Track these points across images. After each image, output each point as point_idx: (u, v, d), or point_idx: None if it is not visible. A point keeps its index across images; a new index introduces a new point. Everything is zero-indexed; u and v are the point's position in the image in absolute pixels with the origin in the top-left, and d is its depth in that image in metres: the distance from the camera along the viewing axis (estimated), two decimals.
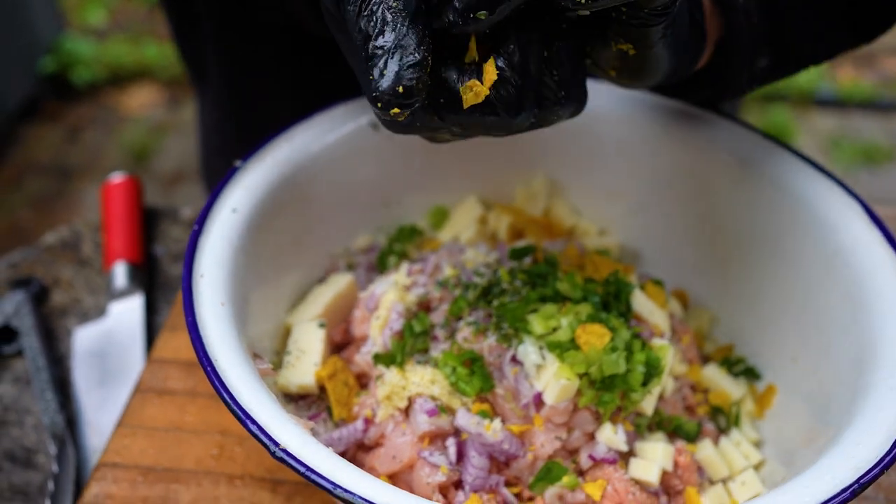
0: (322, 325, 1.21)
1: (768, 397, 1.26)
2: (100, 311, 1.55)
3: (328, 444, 1.12)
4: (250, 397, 0.91)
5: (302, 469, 0.84)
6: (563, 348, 1.07)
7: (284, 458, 0.85)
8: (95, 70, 5.20)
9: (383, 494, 0.84)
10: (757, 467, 1.18)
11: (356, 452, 1.14)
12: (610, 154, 1.39)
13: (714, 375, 1.25)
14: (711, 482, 1.15)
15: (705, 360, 1.33)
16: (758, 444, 1.22)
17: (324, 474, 0.84)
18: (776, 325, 1.26)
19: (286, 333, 1.23)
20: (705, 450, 1.14)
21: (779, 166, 1.22)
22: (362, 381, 1.21)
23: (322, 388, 1.16)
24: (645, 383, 1.10)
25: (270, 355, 1.17)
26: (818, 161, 1.23)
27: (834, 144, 4.45)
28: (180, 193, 4.43)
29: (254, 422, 0.88)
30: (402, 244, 1.39)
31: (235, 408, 0.89)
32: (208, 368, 0.93)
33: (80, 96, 5.34)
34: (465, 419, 1.06)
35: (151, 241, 1.70)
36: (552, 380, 1.06)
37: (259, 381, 0.95)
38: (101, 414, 1.36)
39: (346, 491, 0.83)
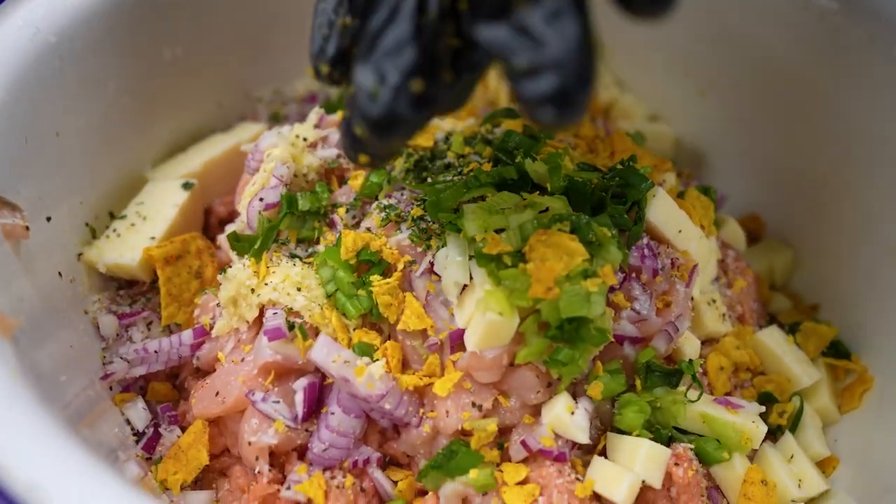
0: (188, 186, 0.83)
1: (858, 391, 0.80)
2: None
3: (140, 358, 0.74)
4: None
5: None
6: (503, 263, 0.64)
7: None
8: None
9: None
10: (816, 500, 0.73)
11: (189, 376, 0.76)
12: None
13: (775, 344, 0.80)
14: None
15: (771, 318, 0.87)
16: (826, 464, 0.77)
17: None
18: (891, 279, 0.79)
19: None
20: (734, 463, 0.70)
21: None
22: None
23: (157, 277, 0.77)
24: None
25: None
26: None
27: None
28: None
29: None
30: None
31: None
32: None
33: None
34: (326, 353, 0.66)
35: None
36: (477, 311, 0.64)
37: None
38: None
39: None
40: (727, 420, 0.71)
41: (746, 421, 0.71)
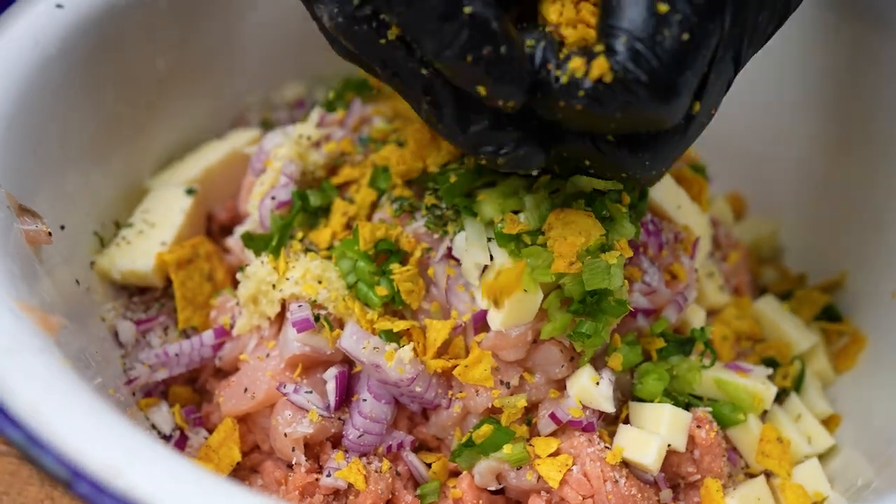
0: (191, 192, 0.83)
1: (852, 352, 0.84)
2: None
3: (161, 362, 0.74)
4: None
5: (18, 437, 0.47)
6: (523, 242, 0.66)
7: None
8: None
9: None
10: (824, 456, 0.77)
11: (209, 378, 0.77)
12: None
13: (771, 313, 0.84)
14: (749, 473, 0.74)
15: (761, 290, 0.91)
16: (829, 422, 0.80)
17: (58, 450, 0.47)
18: (875, 243, 0.83)
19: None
20: (749, 424, 0.73)
21: None
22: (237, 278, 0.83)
23: (170, 282, 0.78)
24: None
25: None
26: None
27: None
28: None
29: None
30: (344, 101, 0.99)
31: None
32: None
33: None
34: (355, 340, 0.67)
35: None
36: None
37: None
38: None
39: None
40: (739, 383, 0.74)
41: (757, 383, 0.74)
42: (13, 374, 0.49)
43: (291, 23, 0.97)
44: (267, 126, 0.98)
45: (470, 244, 0.68)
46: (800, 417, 0.78)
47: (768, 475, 0.73)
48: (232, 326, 0.74)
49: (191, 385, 0.77)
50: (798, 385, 0.80)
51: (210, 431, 0.73)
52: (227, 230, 0.87)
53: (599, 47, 0.56)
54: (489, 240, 0.68)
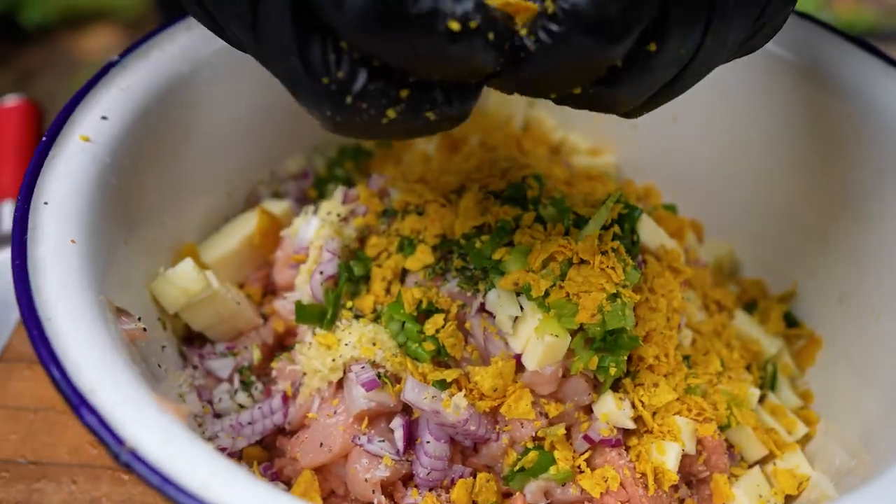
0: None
1: (811, 351, 0.99)
2: None
3: (238, 432, 0.84)
4: (92, 374, 0.62)
5: (155, 480, 0.56)
6: (547, 295, 0.78)
7: (132, 465, 0.57)
8: (46, 10, 4.82)
9: None
10: (801, 443, 0.91)
11: (276, 437, 0.87)
12: None
13: (743, 324, 0.98)
14: (743, 465, 0.88)
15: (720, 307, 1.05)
16: (800, 413, 0.95)
17: (191, 490, 0.56)
18: (820, 255, 0.98)
19: None
20: (743, 425, 0.87)
21: (836, 59, 0.93)
22: (287, 341, 0.93)
23: None
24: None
25: (154, 313, 0.87)
26: None
27: None
28: None
29: (93, 411, 0.60)
30: (343, 168, 1.10)
31: (68, 390, 0.61)
32: (34, 332, 0.64)
33: (31, 39, 4.96)
34: (417, 392, 0.78)
35: None
36: (534, 337, 0.77)
37: (114, 351, 0.66)
38: None
39: None
40: (725, 389, 0.88)
41: (742, 387, 0.88)
42: (179, 461, 0.58)
43: (287, 102, 1.07)
44: (278, 197, 1.07)
45: (501, 301, 0.80)
46: (777, 412, 0.92)
47: (762, 464, 0.87)
48: (294, 393, 0.84)
49: (259, 444, 0.87)
50: (773, 384, 0.95)
51: (286, 483, 0.83)
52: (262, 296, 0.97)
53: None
54: (518, 294, 0.80)
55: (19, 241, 0.70)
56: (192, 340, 0.92)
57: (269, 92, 1.03)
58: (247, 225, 0.98)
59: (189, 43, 0.95)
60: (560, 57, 0.60)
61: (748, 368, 0.94)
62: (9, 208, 1.30)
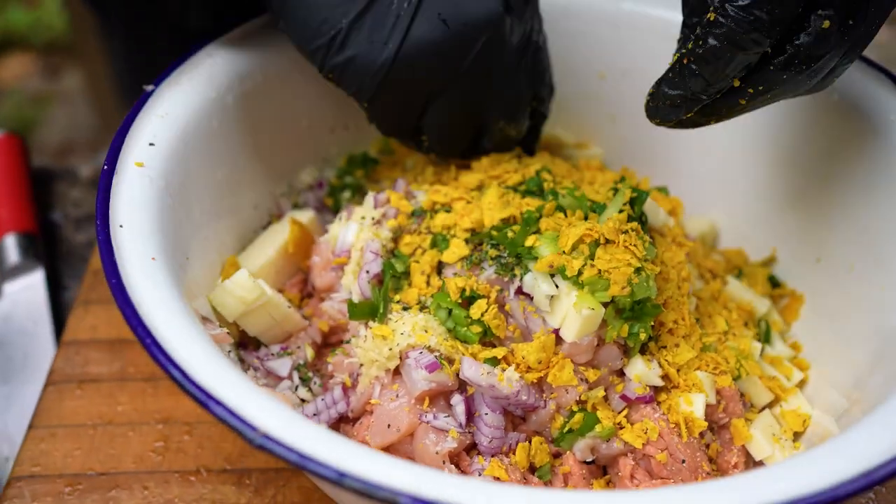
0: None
1: (795, 307, 1.11)
2: None
3: None
4: (210, 373, 0.69)
5: (294, 457, 0.64)
6: (581, 273, 0.88)
7: (268, 446, 0.64)
8: None
9: (405, 477, 0.64)
10: (800, 385, 1.03)
11: (339, 424, 0.94)
12: (579, 51, 1.21)
13: (735, 289, 1.09)
14: (754, 410, 0.99)
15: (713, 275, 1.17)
16: (793, 362, 1.07)
17: (324, 460, 0.64)
18: (795, 221, 1.10)
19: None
20: (750, 374, 0.98)
21: None
22: (332, 339, 1.00)
23: None
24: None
25: (215, 321, 0.94)
26: None
27: None
28: (73, 165, 4.04)
29: (221, 404, 0.67)
30: (353, 176, 1.18)
31: (194, 389, 0.68)
32: (148, 341, 0.70)
33: None
34: (473, 370, 0.87)
35: (46, 207, 1.43)
36: (572, 312, 0.87)
37: (216, 350, 0.73)
38: (6, 416, 1.11)
39: (358, 480, 0.63)
40: (732, 345, 0.99)
41: (745, 342, 1.00)
42: (305, 440, 0.65)
43: (297, 119, 1.15)
44: (297, 208, 1.14)
45: (538, 282, 0.89)
46: (776, 362, 1.04)
47: (769, 407, 0.99)
48: (353, 384, 0.91)
49: None
50: (767, 338, 1.07)
51: None
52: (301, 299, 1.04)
53: None
54: (552, 275, 0.90)
55: (110, 261, 0.76)
56: (245, 345, 0.98)
57: (282, 110, 1.12)
58: (279, 235, 1.05)
59: (211, 70, 1.02)
60: None
61: (746, 326, 1.06)
62: (12, 241, 1.32)
